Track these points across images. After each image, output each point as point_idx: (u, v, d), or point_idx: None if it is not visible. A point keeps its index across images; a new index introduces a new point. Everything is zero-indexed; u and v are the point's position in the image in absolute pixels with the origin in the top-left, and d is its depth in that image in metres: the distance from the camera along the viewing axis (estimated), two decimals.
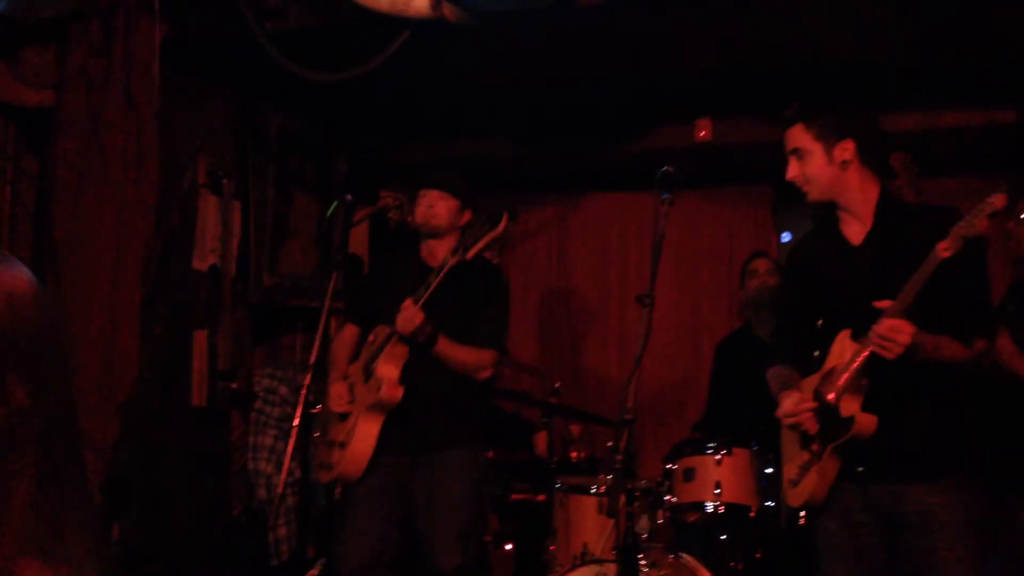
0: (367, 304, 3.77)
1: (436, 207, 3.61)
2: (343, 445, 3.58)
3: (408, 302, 3.38)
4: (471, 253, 3.28)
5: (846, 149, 2.72)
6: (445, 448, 3.55)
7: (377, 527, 3.55)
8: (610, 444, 2.65)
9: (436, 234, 3.65)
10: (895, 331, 2.44)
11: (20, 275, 0.92)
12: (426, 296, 3.38)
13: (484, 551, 4.67)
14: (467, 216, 3.66)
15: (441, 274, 3.35)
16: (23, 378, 0.88)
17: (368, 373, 3.60)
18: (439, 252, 3.59)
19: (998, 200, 2.37)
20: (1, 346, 0.87)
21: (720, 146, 5.19)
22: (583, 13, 3.51)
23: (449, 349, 3.49)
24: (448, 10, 3.49)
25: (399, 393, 3.50)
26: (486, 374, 3.62)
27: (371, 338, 3.63)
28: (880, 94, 4.75)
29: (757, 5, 3.84)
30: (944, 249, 2.40)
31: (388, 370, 3.51)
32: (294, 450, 3.52)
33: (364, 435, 3.54)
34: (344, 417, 3.63)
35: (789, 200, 6.00)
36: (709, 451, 3.87)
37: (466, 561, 3.55)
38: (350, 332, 3.82)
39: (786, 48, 4.23)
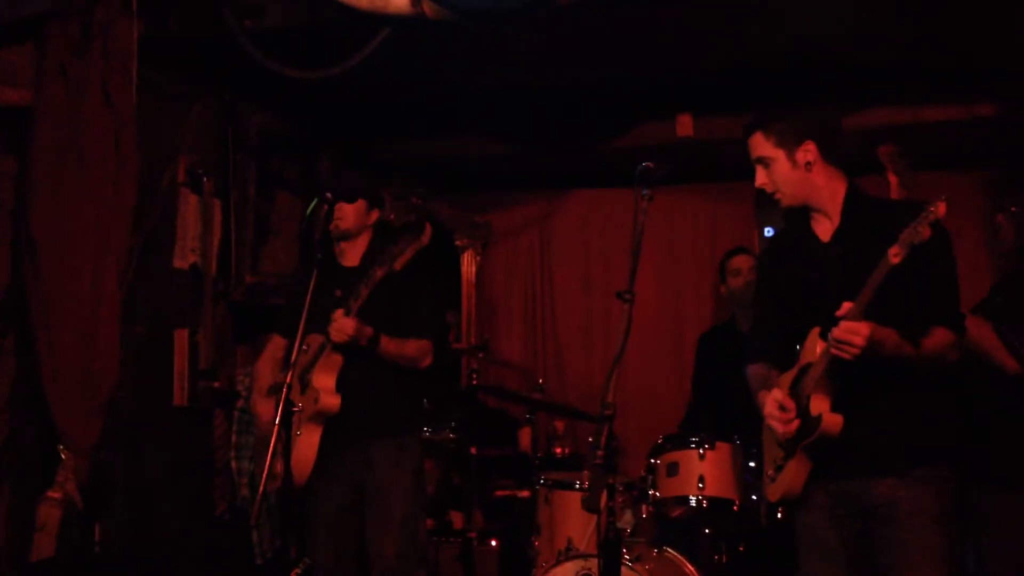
0: (290, 314, 3.70)
1: (343, 213, 3.73)
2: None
3: (339, 313, 3.52)
4: (399, 264, 3.43)
5: (808, 151, 2.78)
6: (378, 438, 3.72)
7: (337, 525, 3.74)
8: (592, 439, 2.65)
9: (347, 237, 3.80)
10: (851, 333, 2.49)
11: None
12: (356, 306, 3.51)
13: (466, 550, 4.69)
14: (375, 214, 3.84)
15: (371, 285, 3.48)
16: None
17: (304, 383, 3.68)
18: (351, 253, 3.81)
19: (940, 208, 2.42)
20: None
21: (703, 142, 5.20)
22: (562, 10, 3.51)
23: (391, 346, 3.65)
24: (428, 7, 3.48)
25: (337, 401, 3.64)
26: (427, 362, 3.79)
27: (304, 347, 3.59)
28: (861, 89, 4.77)
29: (737, 2, 3.84)
30: (894, 255, 2.45)
31: (324, 379, 3.64)
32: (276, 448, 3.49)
33: (306, 444, 3.65)
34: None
35: (771, 196, 6.06)
36: (692, 446, 3.89)
37: (407, 547, 3.69)
38: (276, 345, 3.95)
39: (767, 44, 4.24)
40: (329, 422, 3.66)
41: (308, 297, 3.30)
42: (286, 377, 3.27)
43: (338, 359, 3.63)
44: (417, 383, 3.87)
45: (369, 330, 3.56)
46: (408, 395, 3.87)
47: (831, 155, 2.81)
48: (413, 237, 3.43)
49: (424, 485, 3.99)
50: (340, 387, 3.65)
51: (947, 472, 2.70)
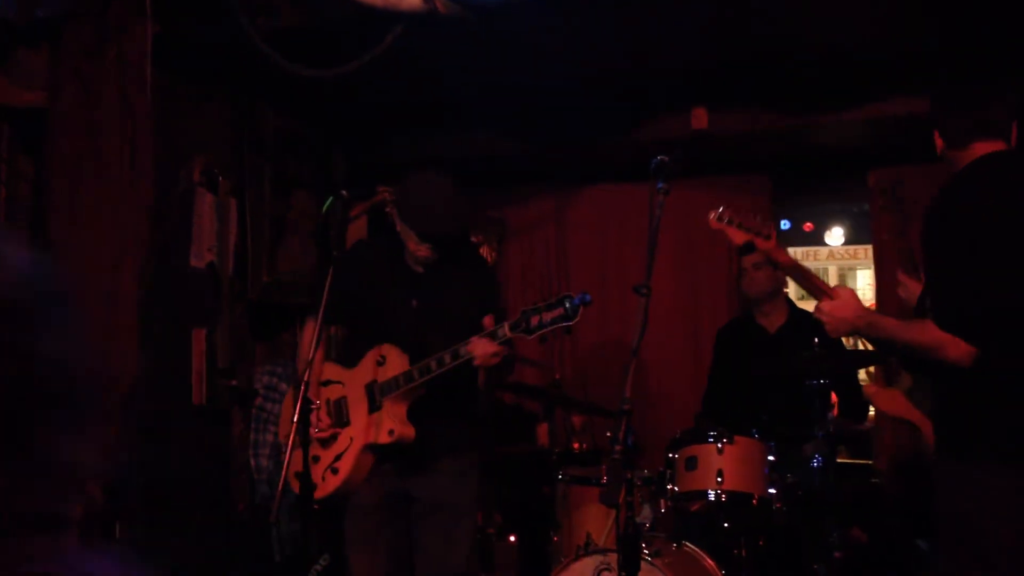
0: (341, 304, 3.40)
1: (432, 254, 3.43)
2: (335, 471, 3.41)
3: (496, 347, 3.18)
4: (534, 336, 3.12)
5: None
6: (443, 456, 3.46)
7: (383, 539, 3.48)
8: (609, 434, 2.65)
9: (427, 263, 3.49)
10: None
11: None
12: (501, 341, 3.19)
13: (485, 545, 4.68)
14: None
15: (499, 341, 3.18)
16: None
17: (374, 403, 3.39)
18: (425, 259, 3.45)
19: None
20: None
21: (718, 135, 5.18)
22: (575, 4, 3.50)
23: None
24: (440, 4, 3.48)
25: (413, 432, 3.34)
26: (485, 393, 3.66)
27: (377, 357, 3.39)
28: (874, 81, 4.75)
29: None
30: None
31: (400, 408, 3.35)
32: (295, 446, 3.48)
33: (361, 466, 3.39)
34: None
35: (787, 188, 6.04)
36: (711, 440, 3.87)
37: (470, 568, 3.51)
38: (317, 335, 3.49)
39: (782, 37, 4.22)
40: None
41: (324, 295, 3.21)
42: (304, 374, 3.18)
43: (420, 391, 3.34)
44: (476, 399, 3.66)
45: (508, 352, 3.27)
46: (468, 413, 3.60)
47: None
48: (562, 315, 3.08)
49: (482, 502, 3.79)
50: (413, 415, 3.36)
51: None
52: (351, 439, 3.41)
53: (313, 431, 3.32)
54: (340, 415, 3.47)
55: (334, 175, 5.52)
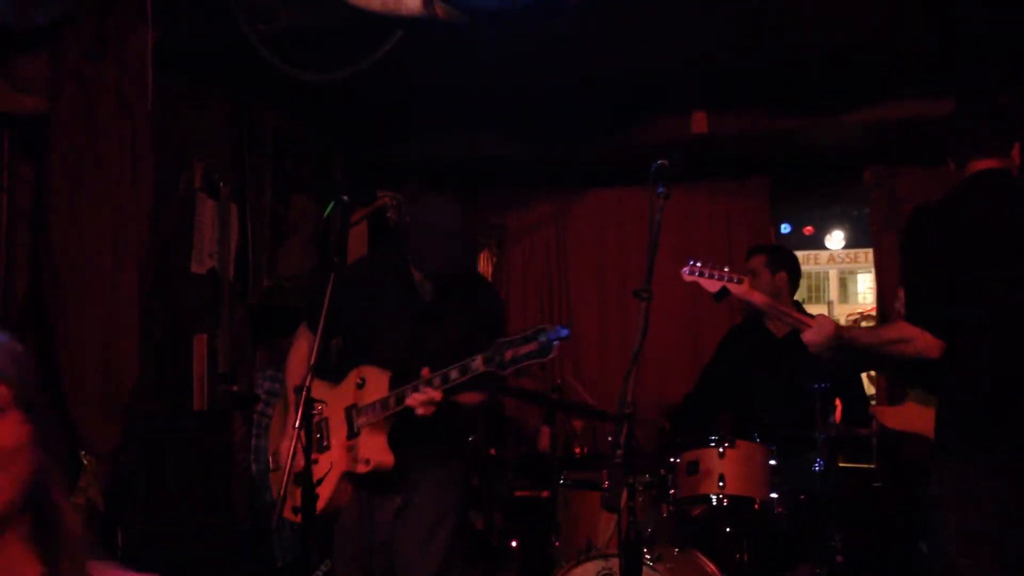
0: (337, 319, 3.27)
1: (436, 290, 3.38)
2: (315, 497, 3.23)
3: (437, 395, 3.09)
4: (506, 372, 3.00)
5: None
6: (423, 469, 3.39)
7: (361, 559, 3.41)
8: (610, 439, 2.64)
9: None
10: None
11: None
12: (447, 387, 3.10)
13: (487, 550, 4.68)
14: None
15: (466, 377, 3.07)
16: None
17: (351, 429, 3.32)
18: (432, 288, 3.40)
19: None
20: None
21: (717, 138, 5.18)
22: (574, 8, 3.51)
23: (462, 401, 3.30)
24: (440, 8, 3.48)
25: (391, 460, 3.27)
26: (476, 412, 3.51)
27: (357, 379, 3.34)
28: (879, 82, 4.75)
29: None
30: None
31: (378, 438, 3.27)
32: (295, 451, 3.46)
33: (340, 492, 3.31)
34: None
35: (787, 191, 6.04)
36: (712, 444, 3.87)
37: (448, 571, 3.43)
38: (308, 346, 3.38)
39: (781, 39, 4.22)
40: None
41: (325, 303, 3.16)
42: (306, 380, 3.12)
43: (396, 421, 3.25)
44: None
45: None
46: (455, 423, 3.48)
47: None
48: (535, 351, 2.92)
49: (465, 503, 3.68)
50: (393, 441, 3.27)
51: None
52: (331, 464, 3.33)
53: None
54: (320, 439, 3.38)
55: (334, 178, 5.52)
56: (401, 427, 3.28)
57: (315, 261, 5.26)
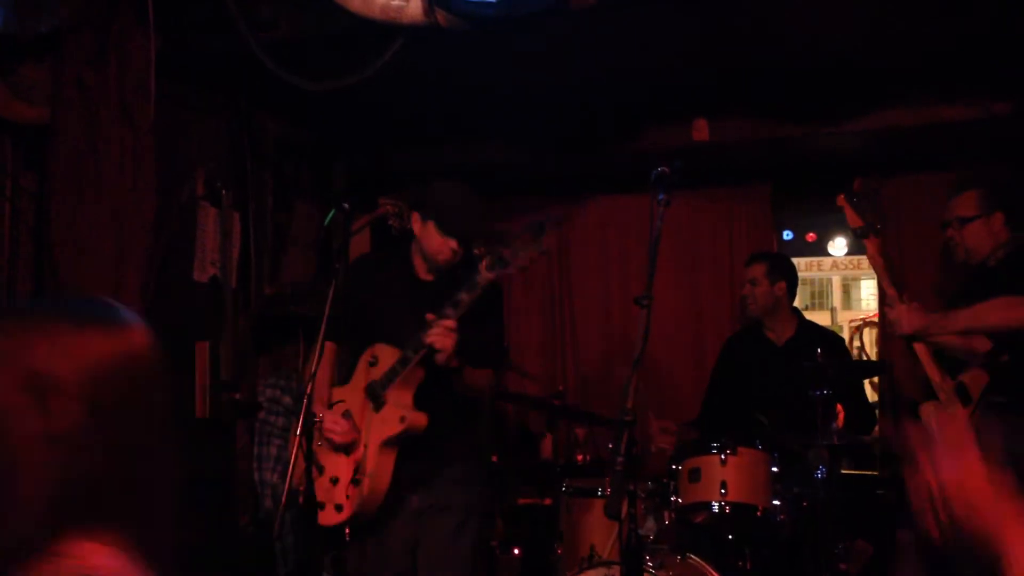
0: (350, 318, 3.46)
1: (459, 252, 3.39)
2: (356, 483, 3.36)
3: (450, 323, 3.10)
4: (513, 268, 3.01)
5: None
6: (445, 466, 3.45)
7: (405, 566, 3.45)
8: (611, 446, 2.64)
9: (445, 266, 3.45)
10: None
11: None
12: (460, 312, 3.11)
13: (489, 558, 4.67)
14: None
15: (477, 290, 3.08)
16: None
17: (377, 400, 3.36)
18: (434, 272, 3.47)
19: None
20: None
21: (719, 145, 5.18)
22: (576, 16, 3.51)
23: (469, 373, 3.36)
24: (441, 16, 3.49)
25: (425, 419, 3.29)
26: (484, 394, 3.60)
27: (368, 358, 3.40)
28: (878, 90, 4.75)
29: (752, 5, 3.83)
30: None
31: (405, 396, 3.30)
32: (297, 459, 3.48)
33: (381, 471, 3.31)
34: (340, 448, 3.41)
35: (789, 197, 6.04)
36: (714, 451, 3.86)
37: (472, 569, 3.50)
38: (329, 349, 3.47)
39: (781, 46, 4.22)
40: (410, 443, 3.32)
41: (328, 307, 3.20)
42: (306, 388, 3.16)
43: (420, 374, 3.27)
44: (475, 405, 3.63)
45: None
46: (473, 418, 3.59)
47: None
48: (531, 238, 2.97)
49: (483, 503, 3.73)
50: (420, 405, 3.31)
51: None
52: (365, 445, 3.37)
53: (334, 437, 3.35)
54: (351, 425, 3.42)
55: (336, 185, 5.53)
56: (432, 404, 3.31)
57: (316, 269, 5.27)
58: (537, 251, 2.97)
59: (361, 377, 3.43)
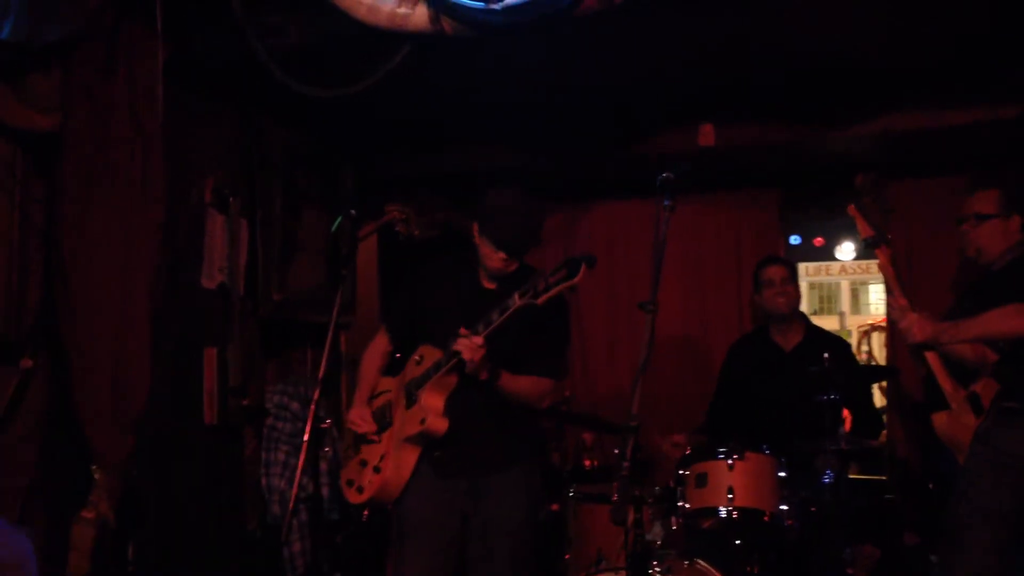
0: (408, 316, 3.68)
1: (511, 262, 3.50)
2: (377, 470, 3.53)
3: (478, 339, 3.22)
4: (541, 300, 3.09)
5: None
6: (501, 470, 3.50)
7: (439, 560, 3.49)
8: (617, 451, 2.65)
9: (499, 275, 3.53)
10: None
11: None
12: (488, 331, 3.23)
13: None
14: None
15: (507, 314, 3.19)
16: None
17: (411, 398, 3.50)
18: (496, 280, 3.54)
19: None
20: None
21: (726, 150, 5.18)
22: (581, 22, 3.52)
23: (509, 383, 3.40)
24: (447, 24, 3.50)
25: (444, 426, 3.41)
26: (545, 403, 3.67)
27: (416, 357, 3.52)
28: (884, 93, 4.75)
29: (757, 8, 3.83)
30: None
31: (434, 400, 3.42)
32: (306, 465, 3.52)
33: (401, 464, 3.48)
34: (372, 436, 3.61)
35: (797, 202, 6.04)
36: (721, 456, 3.86)
37: None
38: (383, 343, 3.76)
39: (789, 51, 4.22)
40: (431, 446, 3.46)
41: (335, 311, 3.24)
42: (313, 394, 3.23)
43: (452, 380, 3.40)
44: (534, 413, 3.71)
45: (489, 364, 3.29)
46: (524, 424, 3.63)
47: None
48: (566, 275, 3.07)
49: (537, 517, 3.74)
50: (450, 411, 3.43)
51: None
52: (392, 438, 3.54)
53: (357, 428, 3.59)
54: (384, 419, 3.60)
55: (344, 192, 5.54)
56: (472, 424, 3.42)
57: (325, 275, 5.28)
58: (568, 287, 3.07)
59: (407, 373, 3.58)
